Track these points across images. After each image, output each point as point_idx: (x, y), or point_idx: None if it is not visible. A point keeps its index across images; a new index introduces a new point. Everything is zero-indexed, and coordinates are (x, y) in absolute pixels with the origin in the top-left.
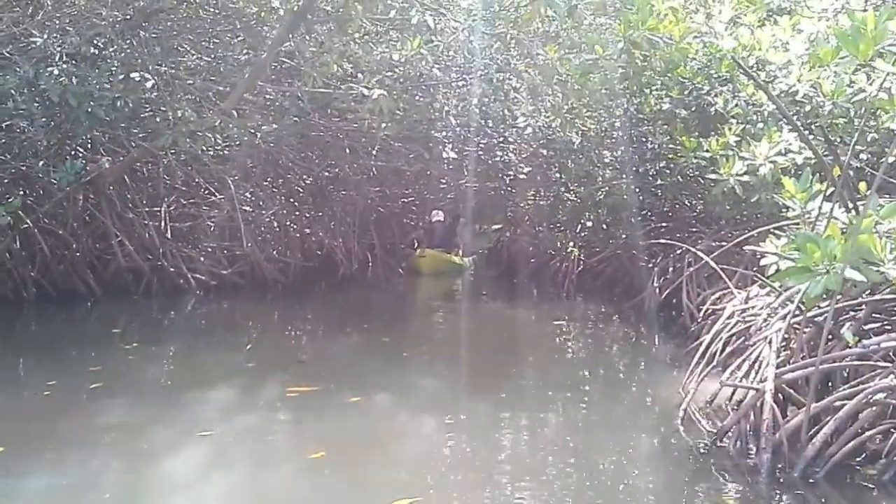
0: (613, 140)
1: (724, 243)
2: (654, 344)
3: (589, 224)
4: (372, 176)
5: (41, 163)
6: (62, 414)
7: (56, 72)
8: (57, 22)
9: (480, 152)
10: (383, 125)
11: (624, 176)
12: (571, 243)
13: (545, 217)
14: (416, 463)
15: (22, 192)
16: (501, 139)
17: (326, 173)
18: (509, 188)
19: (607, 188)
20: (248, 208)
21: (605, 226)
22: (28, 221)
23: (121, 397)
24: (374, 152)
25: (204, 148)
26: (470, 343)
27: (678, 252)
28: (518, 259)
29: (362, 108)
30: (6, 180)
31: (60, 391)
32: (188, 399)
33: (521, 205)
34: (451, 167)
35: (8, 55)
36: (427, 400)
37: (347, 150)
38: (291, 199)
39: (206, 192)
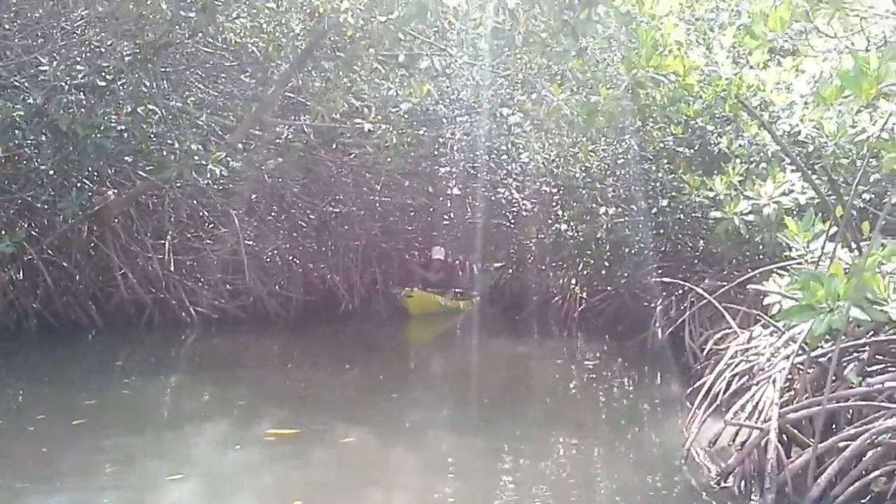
0: (616, 177)
1: (726, 282)
2: (657, 383)
3: (591, 262)
4: (375, 211)
5: (47, 193)
6: (40, 447)
7: (65, 101)
8: (66, 52)
9: (484, 188)
10: (388, 160)
11: (627, 214)
12: (574, 281)
13: (548, 254)
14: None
15: (27, 224)
16: (505, 175)
17: (330, 208)
18: (512, 225)
19: (610, 225)
20: (251, 242)
21: (607, 263)
22: (32, 252)
23: (105, 433)
24: (378, 187)
25: (209, 181)
26: (469, 382)
27: (681, 291)
28: (520, 297)
29: (368, 143)
30: (11, 211)
31: (47, 424)
32: (170, 437)
33: (524, 242)
34: (455, 203)
35: (17, 84)
36: (421, 439)
37: (351, 185)
38: (294, 234)
39: (211, 225)
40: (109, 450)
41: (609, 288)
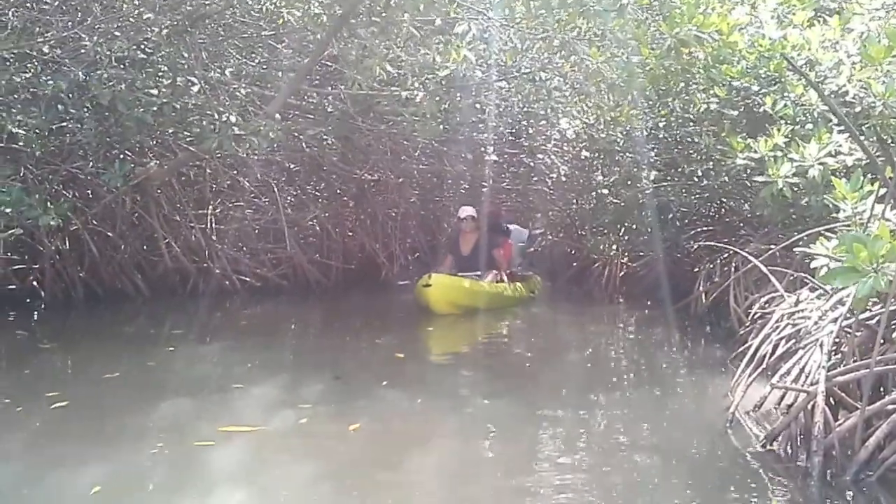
0: (658, 141)
1: (772, 246)
2: (700, 348)
3: (633, 227)
4: (413, 178)
5: (90, 165)
6: (93, 410)
7: (105, 76)
8: (105, 26)
9: (523, 154)
10: (425, 127)
11: (669, 178)
12: (615, 246)
13: (588, 220)
14: (447, 463)
15: (72, 195)
16: (544, 140)
17: (368, 176)
18: (551, 191)
19: (652, 190)
20: (290, 211)
21: (649, 228)
22: (78, 223)
23: (152, 397)
24: (416, 155)
25: (249, 152)
26: (509, 347)
27: (725, 255)
28: (560, 263)
29: (405, 111)
30: (56, 182)
31: (95, 388)
32: (216, 400)
33: (564, 207)
34: (492, 170)
35: (58, 59)
36: (459, 404)
37: (389, 153)
38: (333, 202)
39: (251, 194)
40: (157, 412)
41: (651, 253)
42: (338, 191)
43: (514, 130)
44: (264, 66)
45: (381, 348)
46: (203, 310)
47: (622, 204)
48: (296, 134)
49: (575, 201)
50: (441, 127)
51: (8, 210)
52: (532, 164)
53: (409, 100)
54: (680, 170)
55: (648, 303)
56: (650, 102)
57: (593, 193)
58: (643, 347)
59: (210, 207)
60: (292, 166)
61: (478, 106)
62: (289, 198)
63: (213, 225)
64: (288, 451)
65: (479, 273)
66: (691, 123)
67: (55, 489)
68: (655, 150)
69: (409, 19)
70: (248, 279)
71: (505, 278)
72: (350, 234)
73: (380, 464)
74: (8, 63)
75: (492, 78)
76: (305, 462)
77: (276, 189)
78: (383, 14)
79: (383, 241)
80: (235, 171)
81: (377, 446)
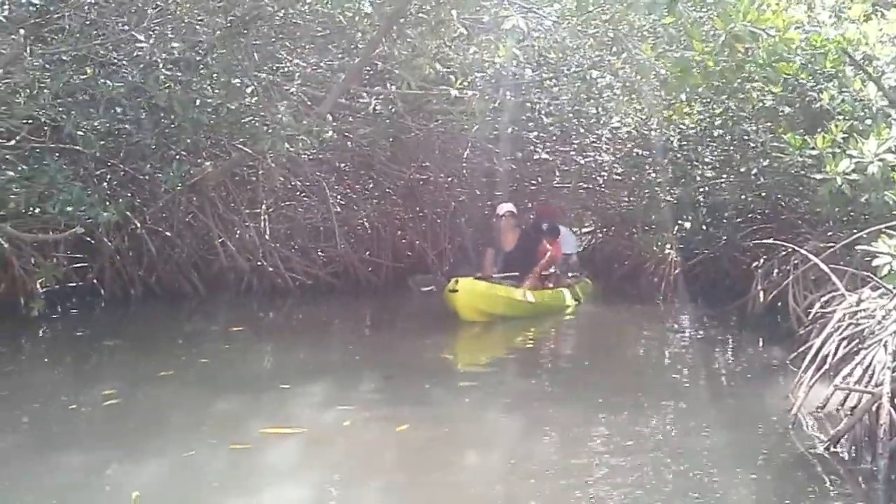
0: (713, 138)
1: (832, 244)
2: (758, 348)
3: (687, 225)
4: (462, 177)
5: (148, 166)
6: (149, 404)
7: (161, 77)
8: (160, 28)
9: (573, 152)
10: (474, 127)
11: (725, 175)
12: (668, 245)
13: (640, 218)
14: (499, 466)
15: (129, 195)
16: (595, 139)
17: (417, 175)
18: (602, 189)
19: (707, 188)
20: (340, 210)
21: (704, 227)
22: (136, 222)
23: (206, 392)
24: (465, 153)
25: (301, 152)
26: (561, 348)
27: (783, 253)
28: (610, 261)
29: (454, 109)
30: (115, 182)
31: (152, 384)
32: (269, 397)
33: (615, 205)
34: (542, 168)
35: (115, 61)
36: (515, 406)
37: (438, 152)
38: (382, 201)
39: (302, 194)
40: (203, 412)
41: (706, 251)
42: (387, 189)
43: (563, 128)
44: (316, 67)
45: (429, 348)
46: (257, 308)
47: (676, 202)
48: (346, 133)
49: (627, 199)
50: (490, 125)
51: (69, 209)
52: (582, 161)
53: (458, 98)
54: (735, 167)
55: (704, 302)
56: (704, 99)
57: (646, 191)
58: (699, 348)
59: (263, 207)
60: (342, 165)
61: (528, 104)
62: (338, 197)
63: (266, 224)
64: (331, 454)
65: (517, 274)
66: (747, 120)
67: (94, 493)
68: (710, 148)
69: (458, 17)
70: (299, 277)
71: (548, 283)
72: (399, 232)
73: (429, 466)
74: (66, 65)
75: (541, 76)
76: (350, 464)
77: (326, 188)
78: (432, 12)
79: (433, 240)
80: (287, 171)
81: (426, 448)
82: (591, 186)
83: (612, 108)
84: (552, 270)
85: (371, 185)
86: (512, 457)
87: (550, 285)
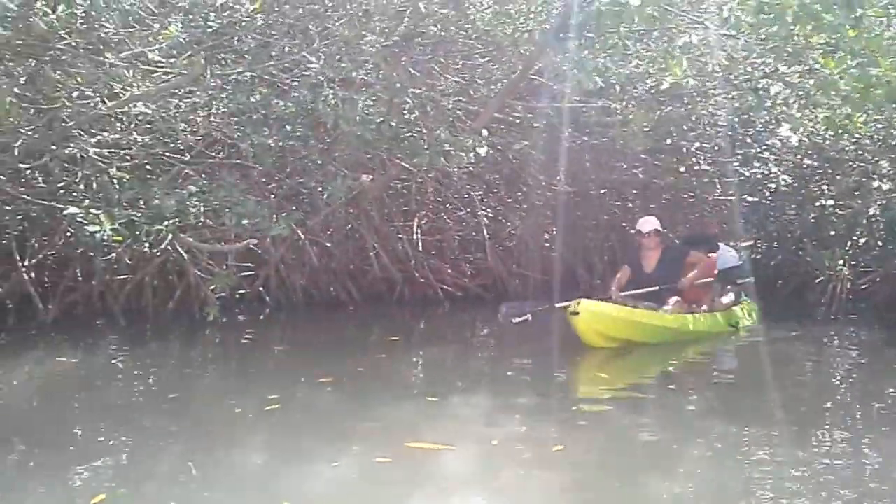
0: (891, 148)
1: None
2: None
3: (861, 241)
4: (615, 189)
5: (313, 180)
6: (308, 408)
7: (329, 97)
8: (328, 49)
9: (737, 163)
10: (633, 139)
11: None
12: (840, 261)
13: (809, 232)
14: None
15: (294, 207)
16: (763, 150)
17: (567, 187)
18: (768, 201)
19: (884, 202)
20: (488, 222)
21: (879, 242)
22: (299, 234)
23: (360, 399)
24: (623, 166)
25: (456, 166)
26: (716, 367)
27: None
28: (774, 277)
29: (612, 121)
30: (280, 197)
31: (311, 389)
32: (421, 407)
33: (781, 219)
34: (702, 180)
35: (284, 82)
36: (672, 427)
37: (591, 164)
38: (532, 214)
39: (453, 206)
40: (353, 422)
41: (881, 268)
42: (537, 202)
43: (728, 138)
44: (472, 81)
45: (581, 365)
46: (409, 317)
47: (850, 216)
48: (500, 147)
49: (795, 212)
50: (651, 137)
51: (245, 221)
52: (747, 173)
53: (617, 111)
54: None
55: (877, 323)
56: (883, 111)
57: (817, 204)
58: (871, 374)
59: (416, 219)
60: (493, 177)
61: (693, 116)
62: (489, 209)
63: (419, 235)
64: (478, 474)
65: (659, 289)
66: None
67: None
68: (888, 158)
69: (623, 32)
70: (449, 288)
71: (698, 307)
72: (548, 245)
73: (590, 493)
74: (242, 85)
75: (708, 88)
76: (498, 485)
77: (477, 201)
78: (593, 26)
79: (583, 254)
80: (439, 184)
81: (583, 472)
82: (756, 199)
83: (784, 119)
84: (705, 283)
85: (521, 198)
86: (691, 480)
87: (704, 308)
